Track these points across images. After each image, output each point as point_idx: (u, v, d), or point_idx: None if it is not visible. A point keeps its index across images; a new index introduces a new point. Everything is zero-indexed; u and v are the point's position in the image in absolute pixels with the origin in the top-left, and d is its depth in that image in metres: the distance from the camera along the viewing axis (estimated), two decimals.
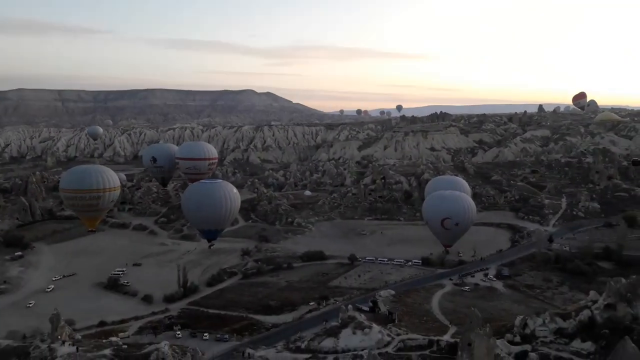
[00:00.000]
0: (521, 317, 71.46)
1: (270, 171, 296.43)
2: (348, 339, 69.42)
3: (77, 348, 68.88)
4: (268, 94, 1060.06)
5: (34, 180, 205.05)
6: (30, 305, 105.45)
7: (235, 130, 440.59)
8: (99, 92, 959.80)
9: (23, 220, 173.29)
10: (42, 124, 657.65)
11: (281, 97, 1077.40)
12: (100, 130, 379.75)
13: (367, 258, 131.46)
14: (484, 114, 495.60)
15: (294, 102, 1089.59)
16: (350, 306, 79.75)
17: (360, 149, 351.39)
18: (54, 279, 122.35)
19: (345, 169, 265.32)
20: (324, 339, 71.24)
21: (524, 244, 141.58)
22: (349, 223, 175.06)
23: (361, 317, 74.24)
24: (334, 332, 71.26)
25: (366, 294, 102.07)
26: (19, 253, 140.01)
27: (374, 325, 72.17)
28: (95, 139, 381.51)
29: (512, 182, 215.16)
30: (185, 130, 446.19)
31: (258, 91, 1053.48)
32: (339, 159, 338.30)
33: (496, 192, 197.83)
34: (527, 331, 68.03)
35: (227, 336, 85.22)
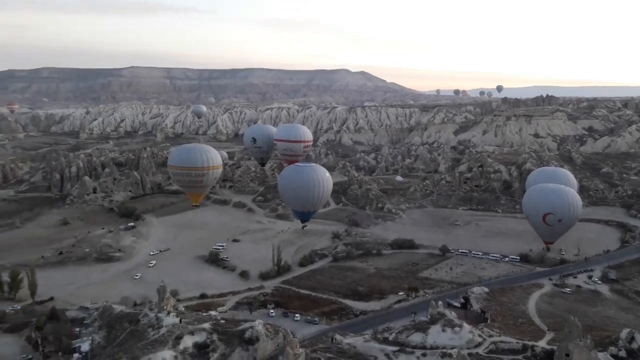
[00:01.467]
0: (628, 329, 66.49)
1: (362, 154, 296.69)
2: (437, 335, 68.66)
3: (180, 320, 74.67)
4: (362, 73, 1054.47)
5: (145, 155, 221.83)
6: (137, 277, 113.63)
7: (329, 111, 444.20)
8: (204, 71, 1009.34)
9: (135, 193, 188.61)
10: (152, 100, 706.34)
11: (375, 77, 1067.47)
12: (204, 109, 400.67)
13: (460, 250, 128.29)
14: (595, 98, 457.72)
15: (388, 81, 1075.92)
16: (440, 302, 78.61)
17: (456, 133, 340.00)
18: (151, 253, 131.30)
19: (439, 155, 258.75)
20: (412, 333, 71.02)
21: (635, 245, 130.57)
22: (441, 212, 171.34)
23: (451, 315, 72.94)
24: (423, 328, 70.73)
25: (457, 288, 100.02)
26: (132, 224, 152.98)
27: (465, 324, 70.71)
28: (199, 117, 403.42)
29: (624, 175, 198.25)
30: (282, 110, 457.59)
31: (352, 70, 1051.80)
32: (433, 143, 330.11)
33: (606, 186, 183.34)
34: (635, 346, 63.29)
35: (316, 319, 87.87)
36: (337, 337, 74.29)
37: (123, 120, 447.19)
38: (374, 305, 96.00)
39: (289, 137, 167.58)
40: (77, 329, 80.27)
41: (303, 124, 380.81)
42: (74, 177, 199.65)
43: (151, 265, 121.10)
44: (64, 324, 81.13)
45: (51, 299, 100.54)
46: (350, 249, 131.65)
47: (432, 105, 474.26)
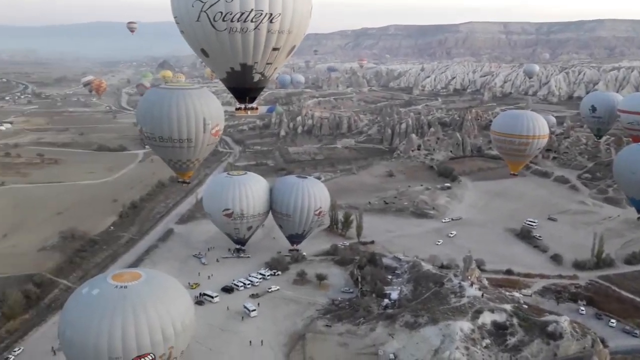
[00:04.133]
0: None
1: None
2: None
3: (482, 294, 75.92)
4: None
5: (469, 117, 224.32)
6: (439, 243, 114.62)
7: None
8: (543, 24, 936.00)
9: (455, 154, 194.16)
10: (485, 57, 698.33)
11: None
12: (537, 68, 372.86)
13: None
14: None
15: None
16: None
17: None
18: (443, 220, 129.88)
19: None
20: None
21: None
22: None
23: None
24: None
25: None
26: (448, 184, 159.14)
27: None
28: (530, 77, 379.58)
29: None
30: (632, 70, 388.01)
31: None
32: None
33: None
34: None
35: (637, 331, 76.30)
36: None
37: (454, 78, 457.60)
38: None
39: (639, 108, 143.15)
40: (390, 277, 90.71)
41: None
42: (403, 133, 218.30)
43: (451, 235, 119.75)
44: (380, 269, 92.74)
45: (372, 242, 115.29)
46: None
47: None
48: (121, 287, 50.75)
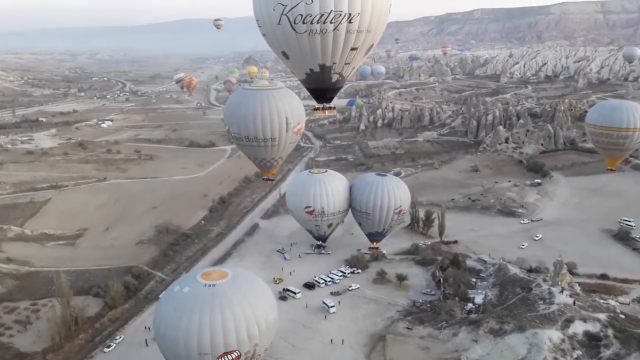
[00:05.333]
0: None
1: None
2: None
3: (574, 302, 71.76)
4: None
5: (562, 108, 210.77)
6: (523, 247, 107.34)
7: None
8: None
9: (546, 147, 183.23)
10: (579, 39, 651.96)
11: None
12: (638, 51, 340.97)
13: None
14: None
15: None
16: None
17: None
18: (522, 222, 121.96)
19: None
20: None
21: None
22: None
23: None
24: None
25: None
26: (538, 180, 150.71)
27: None
28: (630, 62, 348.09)
29: None
30: None
31: None
32: None
33: None
34: None
35: None
36: None
37: (545, 64, 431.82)
38: None
39: None
40: (474, 280, 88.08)
41: None
42: (489, 125, 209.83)
43: (537, 238, 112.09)
44: (463, 271, 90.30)
45: (455, 242, 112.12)
46: None
47: None
48: (209, 285, 53.53)
